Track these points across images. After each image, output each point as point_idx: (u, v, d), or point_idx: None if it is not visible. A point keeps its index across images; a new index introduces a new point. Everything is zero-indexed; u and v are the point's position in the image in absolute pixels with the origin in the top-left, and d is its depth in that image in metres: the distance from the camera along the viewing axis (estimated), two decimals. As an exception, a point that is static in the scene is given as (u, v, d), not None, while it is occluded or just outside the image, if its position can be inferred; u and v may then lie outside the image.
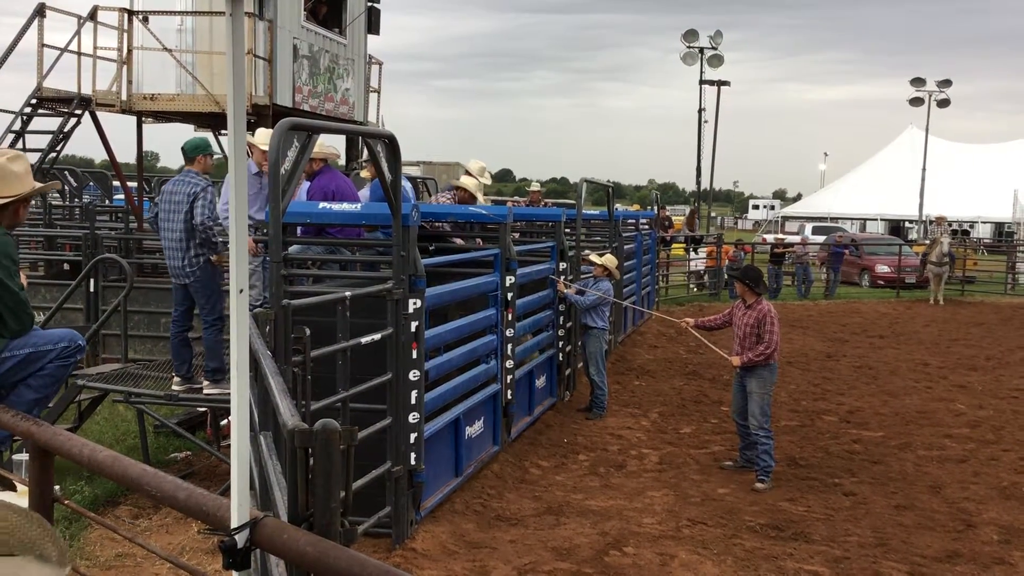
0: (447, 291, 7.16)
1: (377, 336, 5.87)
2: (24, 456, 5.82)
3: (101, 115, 13.52)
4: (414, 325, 6.10)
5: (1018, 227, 42.44)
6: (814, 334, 16.83)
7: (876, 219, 51.87)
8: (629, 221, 16.99)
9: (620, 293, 13.10)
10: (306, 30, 13.53)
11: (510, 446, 8.47)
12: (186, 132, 14.75)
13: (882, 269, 26.17)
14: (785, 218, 57.55)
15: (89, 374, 7.86)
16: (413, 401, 6.13)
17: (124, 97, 12.68)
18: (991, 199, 46.10)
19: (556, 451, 8.67)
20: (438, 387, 6.91)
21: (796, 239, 29.57)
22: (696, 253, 25.52)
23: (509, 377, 8.29)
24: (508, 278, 8.15)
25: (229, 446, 2.87)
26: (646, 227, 18.33)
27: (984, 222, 48.49)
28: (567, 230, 10.80)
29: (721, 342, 9.74)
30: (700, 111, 32.71)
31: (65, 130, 13.39)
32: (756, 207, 78.83)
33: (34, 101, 13.17)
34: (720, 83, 32.53)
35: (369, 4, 15.52)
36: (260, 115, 12.19)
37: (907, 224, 48.46)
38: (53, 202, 16.88)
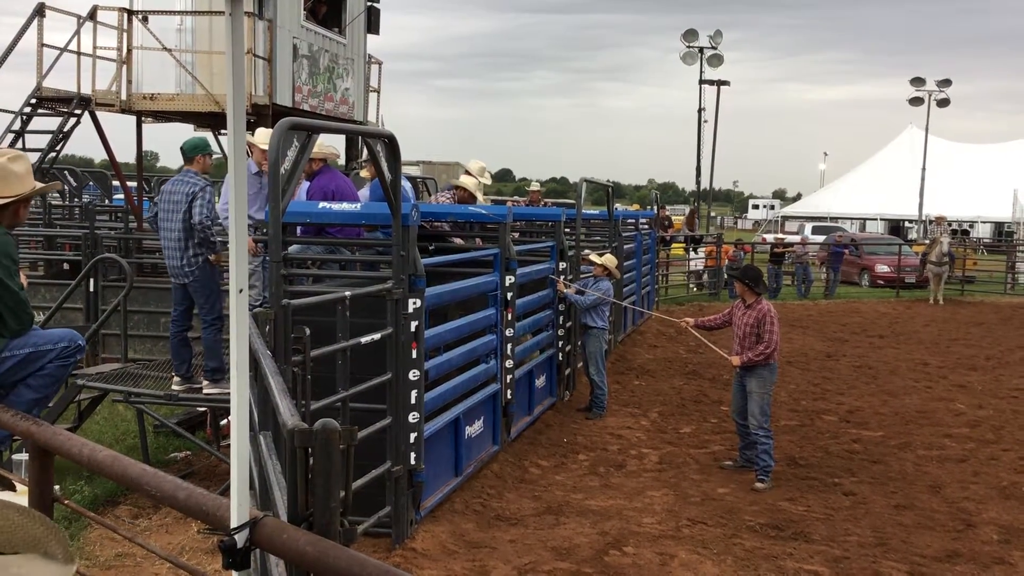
0: (447, 291, 7.16)
1: (377, 336, 5.87)
2: (24, 456, 5.83)
3: (101, 115, 13.52)
4: (414, 325, 6.10)
5: (1018, 227, 42.47)
6: (814, 334, 16.83)
7: (876, 219, 51.90)
8: (629, 221, 17.00)
9: (620, 293, 13.10)
10: (306, 30, 13.52)
11: (510, 446, 8.47)
12: (186, 132, 14.76)
13: (882, 269, 26.17)
14: (785, 218, 57.59)
15: (89, 374, 7.86)
16: (413, 401, 6.13)
17: (124, 97, 12.67)
18: (991, 199, 46.13)
19: (556, 451, 8.67)
20: (438, 387, 6.91)
21: (796, 239, 29.58)
22: (696, 253, 25.53)
23: (509, 377, 8.29)
24: (508, 278, 8.15)
25: (229, 446, 2.87)
26: (646, 227, 18.34)
27: (984, 222, 48.52)
28: (567, 230, 10.80)
29: (721, 342, 9.74)
30: (700, 111, 32.74)
31: (65, 130, 13.39)
32: (756, 207, 78.85)
33: (34, 101, 13.16)
34: (720, 83, 32.55)
35: (369, 4, 15.51)
36: (260, 115, 12.18)
37: (907, 224, 48.48)
38: (53, 202, 16.89)
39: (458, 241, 9.44)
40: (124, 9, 12.58)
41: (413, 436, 6.14)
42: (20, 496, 3.78)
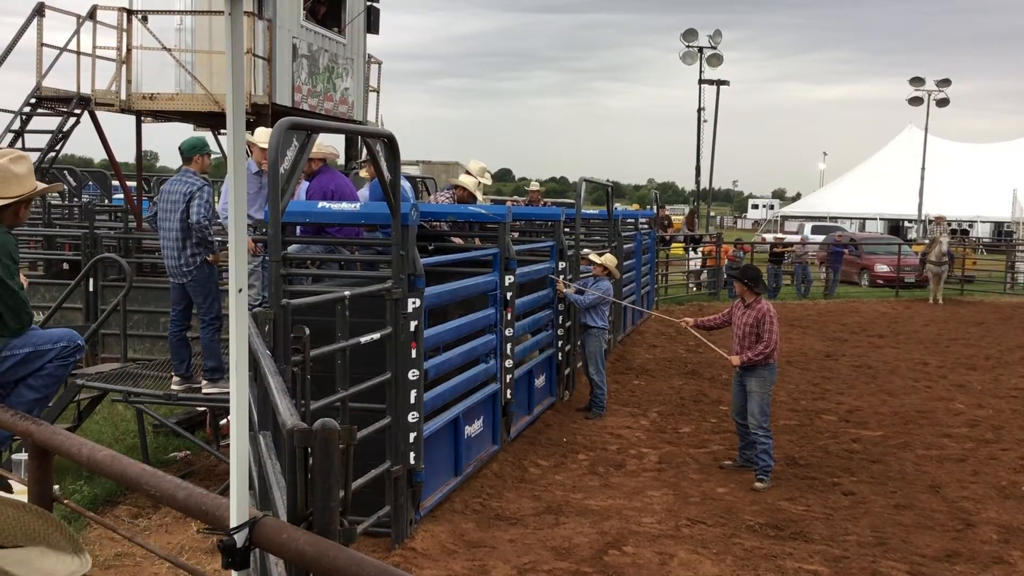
0: (446, 290, 7.16)
1: (376, 335, 5.87)
2: (23, 455, 5.83)
3: (100, 114, 13.52)
4: (413, 324, 6.10)
5: (1017, 226, 42.41)
6: (813, 333, 16.84)
7: (875, 218, 51.89)
8: (628, 220, 17.00)
9: (619, 292, 13.10)
10: (305, 29, 13.52)
11: (509, 445, 8.47)
12: (185, 131, 14.76)
13: (881, 268, 26.18)
14: (784, 217, 57.58)
15: (88, 373, 7.86)
16: (412, 400, 6.13)
17: (123, 96, 12.67)
18: (990, 198, 46.08)
19: (555, 450, 8.67)
20: (437, 386, 6.91)
21: (795, 238, 29.59)
22: (695, 252, 25.54)
23: (508, 376, 8.29)
24: (507, 277, 8.15)
25: (228, 445, 2.87)
26: (645, 227, 18.34)
27: (983, 221, 48.51)
28: (566, 229, 10.80)
29: (720, 341, 9.74)
30: (699, 110, 32.73)
31: (64, 129, 13.40)
32: (755, 206, 78.84)
33: (33, 100, 13.16)
34: (719, 82, 32.54)
35: (368, 3, 15.51)
36: (259, 114, 12.18)
37: (906, 223, 48.47)
38: (52, 202, 16.91)
39: (457, 241, 9.44)
40: (124, 9, 12.58)
41: (412, 436, 6.14)
42: (19, 496, 3.78)
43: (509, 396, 8.33)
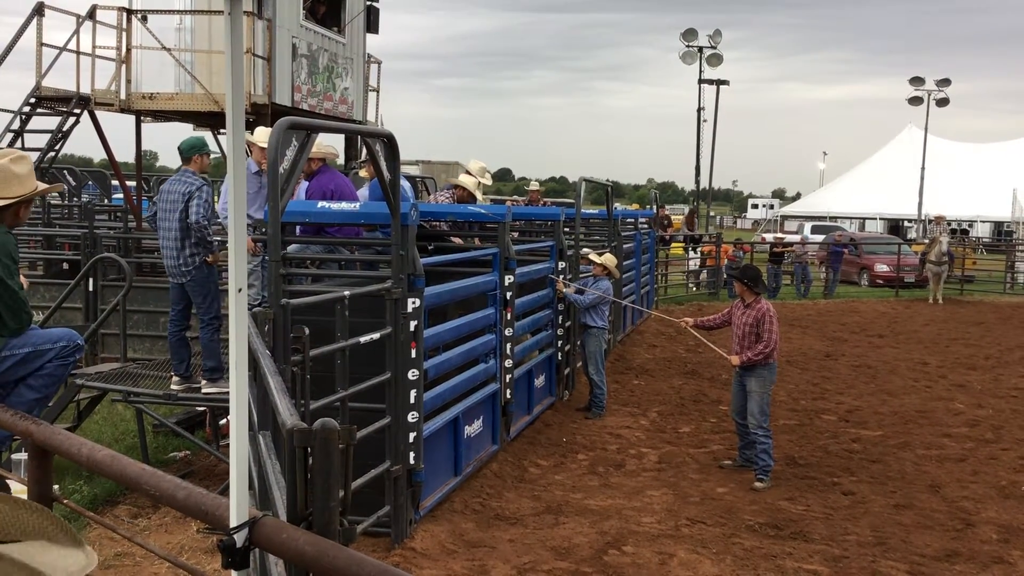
0: (446, 290, 7.16)
1: (376, 335, 5.87)
2: (23, 455, 5.82)
3: (100, 114, 13.52)
4: (413, 324, 6.10)
5: (1017, 226, 42.40)
6: (813, 333, 16.84)
7: (875, 218, 51.90)
8: (628, 220, 17.00)
9: (619, 292, 13.10)
10: (305, 29, 13.52)
11: (509, 445, 8.47)
12: (185, 131, 14.75)
13: (881, 268, 26.19)
14: (784, 217, 57.58)
15: (88, 373, 7.86)
16: (412, 400, 6.13)
17: (123, 96, 12.67)
18: (990, 198, 46.08)
19: (555, 450, 8.67)
20: (437, 386, 6.91)
21: (795, 238, 29.58)
22: (694, 252, 25.55)
23: (508, 376, 8.28)
24: (507, 277, 8.15)
25: (228, 445, 2.87)
26: (645, 226, 18.34)
27: (983, 221, 48.52)
28: (566, 229, 10.80)
29: (720, 341, 9.74)
30: (699, 110, 32.74)
31: (64, 129, 13.39)
32: (755, 206, 78.82)
33: (33, 100, 13.16)
34: (719, 82, 32.55)
35: (368, 3, 15.51)
36: (259, 114, 12.18)
37: (906, 223, 48.48)
38: (52, 201, 16.90)
39: (457, 240, 9.44)
40: (123, 8, 12.58)
41: (412, 436, 6.14)
42: (18, 496, 3.77)
43: (509, 396, 8.33)
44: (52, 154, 13.86)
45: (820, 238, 31.11)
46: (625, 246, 14.46)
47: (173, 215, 7.10)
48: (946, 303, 22.07)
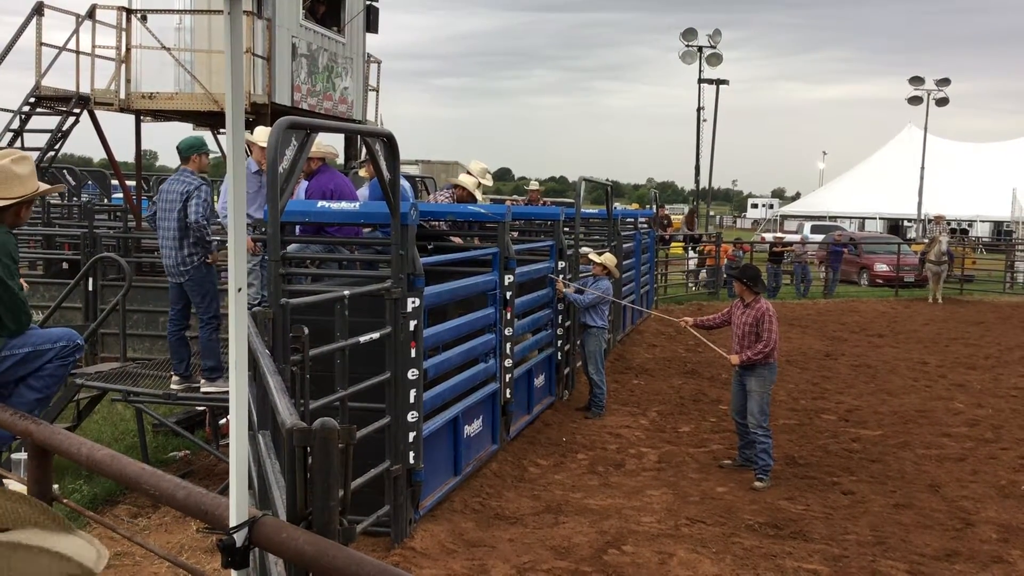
0: (446, 290, 7.15)
1: (376, 335, 5.87)
2: (23, 455, 5.82)
3: (100, 114, 13.52)
4: (413, 324, 6.10)
5: (1017, 226, 42.43)
6: (813, 333, 16.84)
7: (875, 218, 51.91)
8: (628, 220, 17.00)
9: (619, 292, 13.10)
10: (305, 29, 13.52)
11: (509, 445, 8.47)
12: (185, 131, 14.75)
13: (881, 268, 26.19)
14: (784, 217, 57.58)
15: (88, 373, 7.86)
16: (412, 400, 6.13)
17: (123, 96, 12.67)
18: (990, 198, 46.10)
19: (555, 450, 8.67)
20: (437, 386, 6.91)
21: (795, 238, 29.60)
22: (694, 252, 25.56)
23: (508, 376, 8.28)
24: (507, 277, 8.15)
25: (227, 445, 2.87)
26: (645, 226, 18.34)
27: (983, 221, 48.53)
28: (566, 229, 10.80)
29: (720, 341, 9.75)
30: (699, 110, 32.72)
31: (64, 129, 13.39)
32: (755, 206, 78.83)
33: (32, 99, 13.16)
34: (719, 82, 32.53)
35: (368, 3, 15.52)
36: (259, 114, 12.18)
37: (906, 223, 48.49)
38: (52, 201, 16.90)
39: (456, 240, 9.44)
40: (123, 8, 12.58)
41: (412, 435, 6.14)
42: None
43: (508, 395, 8.33)
44: (52, 154, 13.86)
45: (820, 238, 31.12)
46: (625, 246, 14.46)
47: (172, 214, 7.10)
48: (946, 303, 22.08)
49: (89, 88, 12.82)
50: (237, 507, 2.23)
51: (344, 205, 7.02)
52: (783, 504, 7.25)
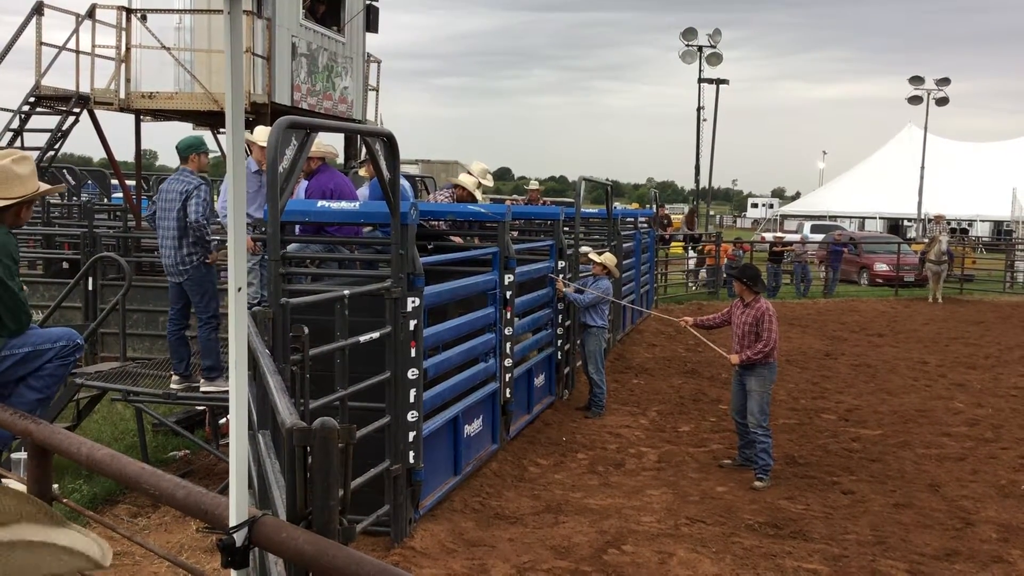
0: (446, 289, 7.15)
1: (376, 334, 5.87)
2: (22, 454, 5.82)
3: (99, 113, 13.52)
4: (412, 323, 6.10)
5: (1017, 225, 42.45)
6: (813, 332, 16.84)
7: (875, 217, 51.93)
8: (628, 220, 17.00)
9: (619, 291, 13.10)
10: (304, 28, 13.52)
11: (509, 444, 8.47)
12: (184, 130, 14.75)
13: (881, 267, 26.19)
14: (784, 216, 57.60)
15: (88, 372, 7.86)
16: (412, 399, 6.13)
17: (122, 95, 12.67)
18: (990, 197, 46.13)
19: (555, 449, 8.67)
20: (437, 385, 6.91)
21: (795, 237, 29.60)
22: (693, 252, 25.56)
23: (508, 375, 8.28)
24: (507, 276, 8.15)
25: (227, 444, 2.87)
26: (645, 226, 18.34)
27: (983, 220, 48.57)
28: (566, 228, 10.80)
29: (720, 340, 9.75)
30: (699, 109, 32.69)
31: (63, 128, 13.39)
32: (755, 205, 78.84)
33: (32, 99, 13.16)
34: (719, 81, 32.50)
35: (367, 2, 15.51)
36: (258, 113, 12.18)
37: (906, 222, 48.50)
38: (52, 201, 16.89)
39: (456, 240, 9.44)
40: (123, 7, 12.58)
41: (412, 435, 6.14)
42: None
43: (508, 395, 8.33)
44: (52, 153, 13.86)
45: (820, 237, 31.12)
46: (625, 245, 14.46)
47: (171, 214, 7.11)
48: (946, 302, 22.08)
49: (89, 88, 12.82)
50: (237, 507, 2.23)
51: (344, 205, 7.02)
52: (783, 504, 7.25)
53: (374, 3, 15.64)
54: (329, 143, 8.56)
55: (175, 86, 12.75)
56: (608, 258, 10.46)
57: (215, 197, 9.55)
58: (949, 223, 31.14)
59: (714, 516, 6.89)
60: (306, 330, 5.14)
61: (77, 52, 12.92)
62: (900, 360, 13.96)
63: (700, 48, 31.72)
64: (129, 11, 12.53)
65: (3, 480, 4.09)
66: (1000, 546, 6.40)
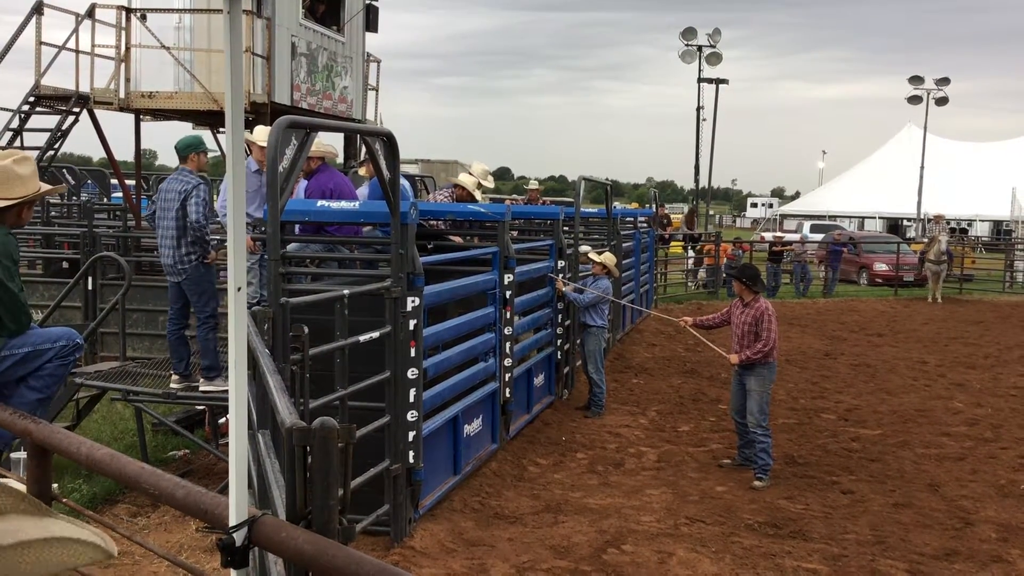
0: (445, 289, 7.15)
1: (375, 334, 5.87)
2: (22, 454, 5.82)
3: (99, 113, 13.51)
4: (412, 323, 6.10)
5: (1016, 225, 42.48)
6: (812, 332, 16.84)
7: (874, 217, 51.94)
8: (627, 219, 17.00)
9: (619, 291, 13.10)
10: (304, 28, 13.52)
11: (508, 444, 8.47)
12: (184, 130, 14.75)
13: (880, 267, 26.20)
14: (783, 216, 57.57)
15: (87, 372, 7.86)
16: (411, 399, 6.13)
17: (122, 95, 12.67)
18: (989, 197, 46.15)
19: (554, 449, 8.67)
20: (436, 385, 6.91)
21: (795, 237, 29.59)
22: (693, 251, 25.56)
23: (508, 375, 8.29)
24: (506, 276, 8.15)
25: (227, 444, 2.87)
26: (644, 225, 18.34)
27: (982, 220, 48.59)
28: (565, 228, 10.80)
29: (719, 340, 9.75)
30: (699, 109, 32.70)
31: (63, 128, 13.39)
32: (755, 205, 78.79)
33: (32, 99, 13.16)
34: (719, 81, 32.50)
35: (367, 2, 15.51)
36: (258, 113, 12.18)
37: (905, 222, 48.53)
38: (51, 200, 16.88)
39: (456, 239, 9.44)
40: (123, 7, 12.57)
41: (412, 434, 6.14)
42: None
43: (508, 395, 8.33)
44: (51, 153, 13.85)
45: (819, 237, 31.12)
46: (624, 245, 14.46)
47: (170, 214, 7.11)
48: (945, 302, 22.08)
49: (89, 87, 12.82)
50: (237, 506, 2.23)
51: (344, 204, 7.02)
52: (782, 503, 7.25)
53: (374, 3, 15.63)
54: (329, 143, 8.56)
55: (175, 86, 12.74)
56: (608, 258, 10.46)
57: (214, 197, 9.55)
58: (948, 223, 31.14)
59: (714, 516, 6.90)
60: (306, 330, 5.14)
61: (77, 52, 12.92)
62: (900, 360, 13.97)
63: (700, 48, 31.72)
64: (129, 11, 12.53)
65: (3, 480, 4.09)
66: (999, 546, 6.40)
